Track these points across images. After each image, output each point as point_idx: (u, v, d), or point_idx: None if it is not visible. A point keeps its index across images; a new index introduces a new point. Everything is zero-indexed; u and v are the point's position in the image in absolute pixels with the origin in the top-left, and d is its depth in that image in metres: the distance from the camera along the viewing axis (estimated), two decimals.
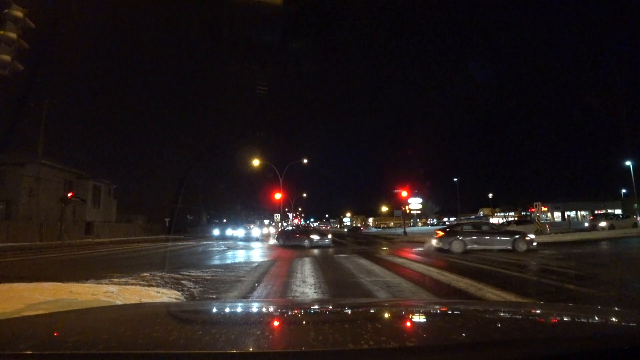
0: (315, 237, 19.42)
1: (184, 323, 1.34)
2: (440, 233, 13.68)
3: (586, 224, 28.86)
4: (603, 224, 24.76)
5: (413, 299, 4.68)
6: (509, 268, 8.55)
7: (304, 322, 1.39)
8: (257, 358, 0.85)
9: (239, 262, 10.96)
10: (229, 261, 11.41)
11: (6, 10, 6.69)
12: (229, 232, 37.02)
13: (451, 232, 13.50)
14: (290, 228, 29.17)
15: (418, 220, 73.97)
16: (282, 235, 21.79)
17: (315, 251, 15.30)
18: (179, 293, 5.48)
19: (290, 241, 19.86)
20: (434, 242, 13.87)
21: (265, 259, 11.87)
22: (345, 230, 63.16)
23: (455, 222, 27.35)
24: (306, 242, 18.87)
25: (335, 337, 0.95)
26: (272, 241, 24.49)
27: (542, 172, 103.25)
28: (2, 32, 6.62)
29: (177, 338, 0.98)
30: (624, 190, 52.67)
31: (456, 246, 12.71)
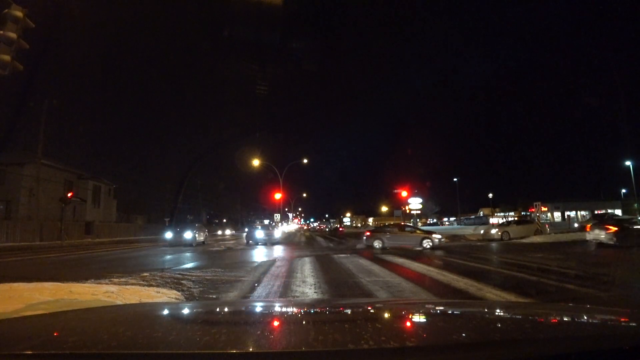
0: (437, 236, 15.70)
1: (184, 323, 1.34)
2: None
3: (576, 225, 28.51)
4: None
5: (413, 299, 4.68)
6: (511, 268, 8.55)
7: (304, 322, 1.39)
8: (257, 358, 0.85)
9: (239, 262, 10.96)
10: (229, 261, 11.41)
11: (6, 10, 6.69)
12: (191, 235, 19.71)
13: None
14: (391, 223, 24.25)
15: (418, 220, 73.96)
16: (380, 233, 16.73)
17: (317, 252, 15.26)
18: (179, 293, 5.48)
19: (397, 241, 15.54)
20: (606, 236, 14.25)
21: (265, 259, 11.87)
22: (327, 230, 63.40)
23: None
24: (426, 243, 15.04)
25: (335, 337, 0.95)
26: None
27: (542, 172, 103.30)
28: (2, 32, 6.62)
29: (177, 338, 0.98)
30: (624, 190, 52.69)
31: None
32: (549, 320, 1.33)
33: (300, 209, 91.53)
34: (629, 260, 10.27)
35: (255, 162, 30.98)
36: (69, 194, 25.00)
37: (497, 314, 1.57)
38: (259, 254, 13.96)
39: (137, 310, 1.77)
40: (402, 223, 21.80)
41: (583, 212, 50.99)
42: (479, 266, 9.10)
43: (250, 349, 0.89)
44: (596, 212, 42.75)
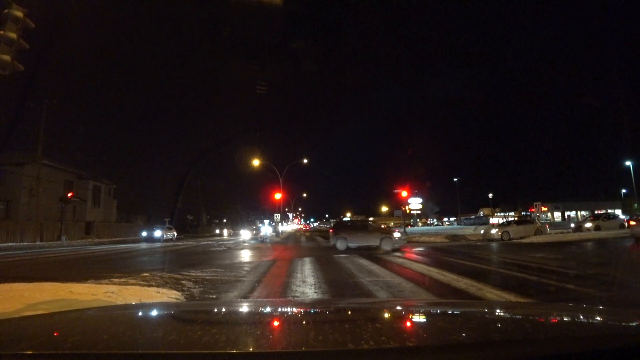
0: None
1: (184, 323, 1.34)
2: None
3: (572, 225, 28.22)
4: (588, 224, 23.95)
5: (413, 299, 4.68)
6: (511, 268, 8.55)
7: (304, 322, 1.39)
8: (257, 358, 0.85)
9: (239, 262, 10.96)
10: (228, 261, 11.41)
11: (6, 10, 6.69)
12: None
13: None
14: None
15: (418, 220, 73.96)
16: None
17: (315, 251, 15.25)
18: (179, 293, 5.48)
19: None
20: None
21: (265, 259, 11.88)
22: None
23: None
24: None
25: (335, 337, 0.95)
26: None
27: (542, 172, 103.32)
28: (2, 32, 6.61)
29: (177, 338, 0.98)
30: (624, 190, 52.68)
31: None
32: (549, 320, 1.33)
33: (300, 209, 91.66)
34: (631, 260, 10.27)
35: (255, 162, 31.01)
36: (69, 194, 25.04)
37: (497, 314, 1.57)
38: (259, 254, 13.95)
39: (137, 310, 1.77)
40: None
41: (583, 212, 50.99)
42: (478, 266, 9.09)
43: (250, 349, 0.89)
44: (596, 212, 42.77)
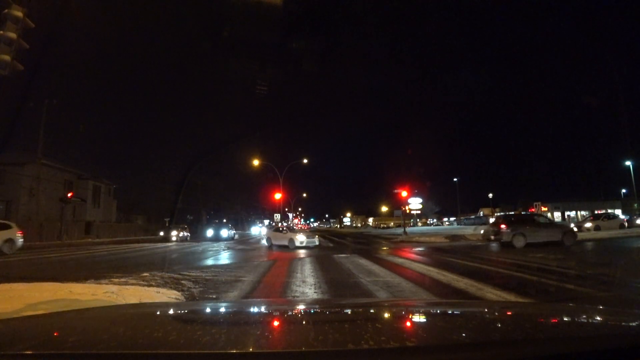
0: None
1: (184, 323, 1.34)
2: None
3: (572, 225, 28.36)
4: (588, 224, 24.10)
5: (413, 299, 4.68)
6: (510, 268, 8.55)
7: (304, 322, 1.39)
8: (257, 358, 0.85)
9: (239, 262, 10.96)
10: (228, 261, 11.41)
11: (6, 10, 6.68)
12: None
13: None
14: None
15: (418, 220, 73.95)
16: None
17: (314, 251, 15.25)
18: (179, 293, 5.48)
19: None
20: None
21: (265, 259, 11.88)
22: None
23: None
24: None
25: (335, 337, 0.95)
26: None
27: (542, 172, 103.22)
28: (2, 32, 6.61)
29: (177, 338, 0.98)
30: (624, 190, 52.73)
31: None
32: (549, 320, 1.33)
33: (300, 209, 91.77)
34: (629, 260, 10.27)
35: (255, 162, 31.02)
36: (69, 194, 25.06)
37: (497, 314, 1.57)
38: (259, 255, 13.96)
39: (137, 310, 1.77)
40: None
41: (583, 212, 51.00)
42: (478, 266, 9.09)
43: (250, 349, 0.89)
44: (596, 212, 42.78)
